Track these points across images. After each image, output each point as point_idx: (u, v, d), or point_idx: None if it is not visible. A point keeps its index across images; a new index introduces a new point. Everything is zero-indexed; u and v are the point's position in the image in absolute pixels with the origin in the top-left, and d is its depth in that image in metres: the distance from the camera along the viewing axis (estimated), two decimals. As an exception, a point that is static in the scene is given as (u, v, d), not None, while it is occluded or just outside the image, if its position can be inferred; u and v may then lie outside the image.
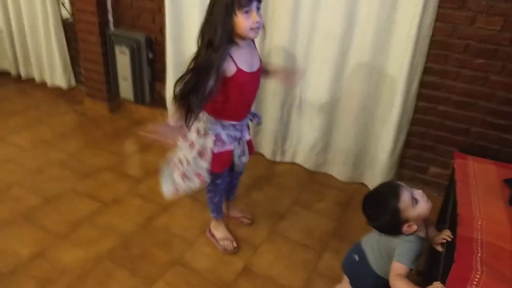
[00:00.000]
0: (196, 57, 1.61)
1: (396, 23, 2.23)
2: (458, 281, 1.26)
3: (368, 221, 1.46)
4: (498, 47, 2.10)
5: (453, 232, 1.48)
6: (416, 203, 1.36)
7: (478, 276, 1.27)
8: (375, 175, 2.57)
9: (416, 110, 2.42)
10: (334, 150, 2.67)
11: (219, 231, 2.14)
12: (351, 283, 1.64)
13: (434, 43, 2.23)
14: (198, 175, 1.81)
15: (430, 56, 2.27)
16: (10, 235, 2.09)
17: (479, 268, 1.31)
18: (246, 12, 1.54)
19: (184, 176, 1.83)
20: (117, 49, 3.11)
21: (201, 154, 1.77)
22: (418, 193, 1.38)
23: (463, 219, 1.53)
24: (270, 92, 2.69)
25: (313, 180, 2.70)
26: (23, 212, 2.24)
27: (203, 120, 1.75)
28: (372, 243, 1.54)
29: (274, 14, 2.49)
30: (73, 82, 3.73)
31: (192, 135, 1.77)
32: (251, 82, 1.75)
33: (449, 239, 1.46)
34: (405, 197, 1.35)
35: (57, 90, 3.71)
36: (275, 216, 2.34)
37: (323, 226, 2.30)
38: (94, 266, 1.94)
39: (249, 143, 1.97)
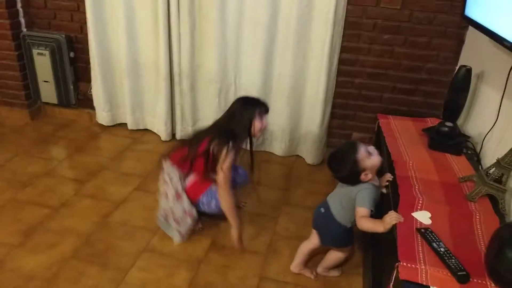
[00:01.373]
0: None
1: (315, 9, 2.51)
2: (406, 208, 1.56)
3: (333, 174, 1.71)
4: (400, 23, 2.51)
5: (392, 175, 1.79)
6: (370, 155, 1.63)
7: (420, 202, 1.59)
8: (308, 146, 2.86)
9: (337, 84, 2.75)
10: (271, 129, 2.90)
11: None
12: (320, 234, 1.86)
13: (348, 24, 2.57)
14: (186, 212, 2.03)
15: (346, 36, 2.60)
16: (-46, 255, 1.93)
17: (420, 196, 1.62)
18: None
19: (177, 221, 2.05)
20: (35, 51, 2.95)
21: (177, 197, 2.00)
22: (371, 148, 1.67)
23: (398, 163, 1.86)
24: (206, 80, 2.81)
25: (256, 159, 2.89)
26: (-37, 230, 2.07)
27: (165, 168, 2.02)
28: (335, 196, 1.78)
29: (202, 6, 2.61)
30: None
31: (163, 187, 2.03)
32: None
33: (391, 179, 1.76)
34: (361, 150, 1.62)
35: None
36: (229, 195, 2.49)
37: (273, 196, 2.51)
38: (61, 267, 1.90)
39: None
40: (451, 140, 2.00)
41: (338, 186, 1.77)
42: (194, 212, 2.06)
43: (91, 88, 3.09)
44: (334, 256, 1.90)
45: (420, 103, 2.70)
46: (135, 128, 3.15)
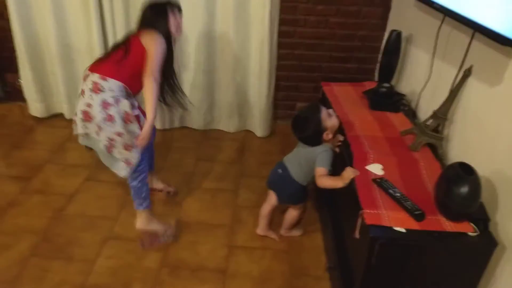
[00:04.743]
0: None
1: (251, -18, 2.54)
2: (360, 162, 1.70)
3: (297, 134, 1.81)
4: (331, -6, 2.64)
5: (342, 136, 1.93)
6: (330, 116, 1.77)
7: (371, 156, 1.74)
8: (256, 120, 2.93)
9: (279, 57, 2.84)
10: (219, 107, 2.92)
11: (155, 223, 2.02)
12: (278, 194, 1.97)
13: (283, -4, 2.64)
14: (137, 138, 1.82)
15: (283, 9, 2.68)
16: None
17: (370, 151, 1.78)
18: None
19: (128, 146, 1.82)
20: None
21: (125, 119, 1.79)
22: (331, 111, 1.80)
23: (346, 124, 2.00)
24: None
25: (206, 137, 2.93)
26: None
27: (108, 89, 1.76)
28: (293, 157, 1.89)
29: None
30: None
31: (104, 111, 1.75)
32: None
33: (342, 139, 1.90)
34: (323, 111, 1.76)
35: None
36: (186, 174, 2.51)
37: (229, 171, 2.57)
38: (23, 267, 1.82)
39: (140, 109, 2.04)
40: (389, 99, 2.18)
41: (298, 147, 1.88)
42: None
43: (19, 79, 2.87)
44: (290, 215, 2.03)
45: (355, 69, 2.88)
46: (73, 118, 3.00)
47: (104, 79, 1.77)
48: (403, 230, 1.37)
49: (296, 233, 2.11)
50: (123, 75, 1.80)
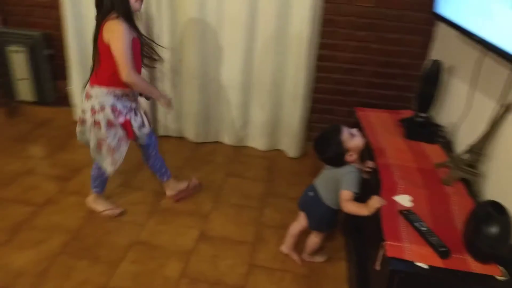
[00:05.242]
0: None
1: (293, 7, 2.59)
2: (389, 192, 1.66)
3: (319, 156, 1.79)
4: (373, 21, 2.63)
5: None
6: (353, 136, 1.73)
7: (401, 186, 1.70)
8: (289, 140, 2.94)
9: (316, 80, 2.86)
10: (252, 124, 2.97)
11: (100, 204, 2.25)
12: (308, 217, 1.95)
13: (325, 21, 2.67)
14: (120, 139, 2.01)
15: (323, 33, 2.70)
16: None
17: (399, 181, 1.74)
18: None
19: (112, 149, 2.02)
20: (9, 49, 2.89)
21: (109, 124, 1.95)
22: (354, 130, 1.76)
23: (378, 151, 1.97)
24: (187, 75, 2.84)
25: (238, 153, 2.97)
26: None
27: (94, 96, 1.93)
28: (321, 180, 1.87)
29: (183, 4, 2.64)
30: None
31: (92, 117, 1.95)
32: (139, 50, 1.98)
33: (373, 167, 1.87)
34: (345, 131, 1.73)
35: None
36: (214, 188, 2.54)
37: (257, 188, 2.58)
38: (51, 263, 1.90)
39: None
40: (425, 130, 2.13)
41: (325, 169, 1.86)
42: (127, 140, 2.04)
43: (68, 86, 3.05)
44: (311, 241, 2.00)
45: (393, 96, 2.84)
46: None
47: (91, 87, 1.95)
48: (425, 266, 1.32)
49: (319, 259, 2.07)
50: (103, 79, 1.92)
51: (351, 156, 1.72)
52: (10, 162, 2.62)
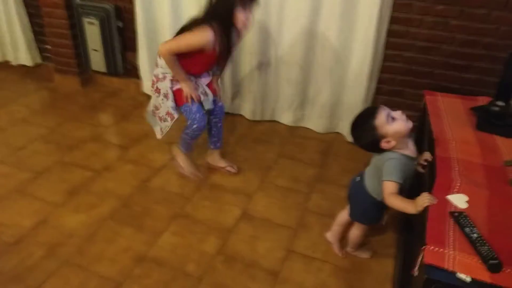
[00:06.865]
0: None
1: (362, -24, 2.37)
2: (442, 190, 1.46)
3: (355, 142, 1.64)
4: (455, -7, 2.31)
5: (431, 154, 1.69)
6: (392, 120, 1.51)
7: (458, 184, 1.49)
8: (349, 123, 2.74)
9: (385, 58, 2.61)
10: (310, 104, 2.83)
11: (184, 162, 2.37)
12: (350, 203, 1.81)
13: (398, -7, 2.40)
14: (168, 114, 2.18)
15: (395, 6, 2.43)
16: (7, 209, 2.09)
17: (458, 178, 1.52)
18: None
19: (161, 119, 2.24)
20: (85, 21, 3.06)
21: (166, 96, 2.14)
22: (396, 113, 1.53)
23: (440, 142, 1.75)
24: (246, 52, 2.77)
25: (293, 134, 2.87)
26: (15, 186, 2.24)
27: (160, 66, 2.13)
28: (370, 166, 1.70)
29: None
30: (38, 59, 3.61)
31: (155, 84, 2.17)
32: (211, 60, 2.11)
33: (430, 159, 1.66)
34: (381, 115, 1.50)
35: (22, 69, 3.59)
36: (263, 168, 2.49)
37: (307, 172, 2.47)
38: (99, 227, 2.01)
39: (210, 86, 2.24)
40: (501, 121, 1.83)
41: (373, 155, 1.67)
42: (175, 114, 2.16)
43: (137, 58, 3.17)
44: (353, 234, 1.86)
45: (474, 80, 2.50)
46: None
47: (159, 57, 2.11)
48: (468, 278, 1.13)
49: (363, 255, 1.92)
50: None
51: (388, 143, 1.51)
52: (78, 128, 2.81)
